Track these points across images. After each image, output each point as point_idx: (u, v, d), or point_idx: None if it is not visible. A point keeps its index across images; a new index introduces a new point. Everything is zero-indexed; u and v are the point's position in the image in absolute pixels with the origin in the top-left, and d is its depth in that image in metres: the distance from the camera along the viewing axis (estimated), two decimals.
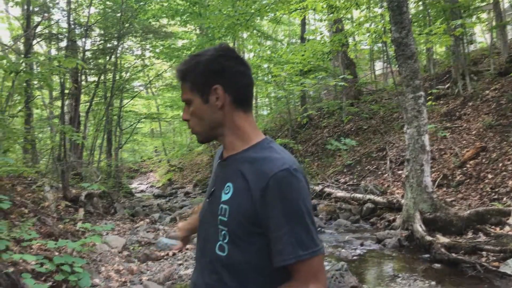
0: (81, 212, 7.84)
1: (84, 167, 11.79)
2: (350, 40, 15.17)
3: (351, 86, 14.47)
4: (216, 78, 1.20)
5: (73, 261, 4.29)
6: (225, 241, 1.16)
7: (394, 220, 7.04)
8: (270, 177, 1.09)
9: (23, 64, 6.83)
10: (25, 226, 4.85)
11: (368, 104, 14.47)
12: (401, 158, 9.57)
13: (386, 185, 9.35)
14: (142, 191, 18.32)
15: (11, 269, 3.57)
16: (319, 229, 7.35)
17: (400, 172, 9.36)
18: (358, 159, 11.39)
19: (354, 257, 5.57)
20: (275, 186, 1.09)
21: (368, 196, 8.58)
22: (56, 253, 4.64)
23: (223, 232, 1.17)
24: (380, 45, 15.63)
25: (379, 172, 10.17)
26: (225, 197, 1.18)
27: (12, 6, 14.91)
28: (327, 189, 10.18)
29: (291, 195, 1.09)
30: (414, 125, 6.39)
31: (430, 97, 10.73)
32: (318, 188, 10.47)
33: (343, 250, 5.83)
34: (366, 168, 10.72)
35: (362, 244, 6.17)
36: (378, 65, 19.74)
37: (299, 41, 17.58)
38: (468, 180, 7.74)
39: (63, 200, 7.83)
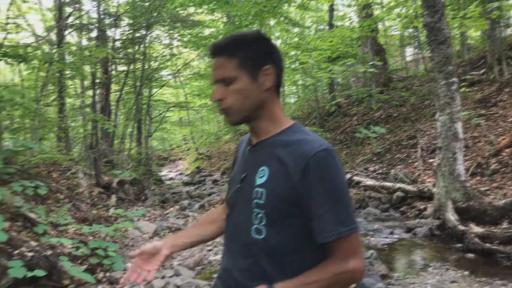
0: (113, 198, 8.06)
1: (116, 155, 12.08)
2: (380, 25, 14.83)
3: (381, 73, 14.18)
4: (267, 59, 1.22)
5: (107, 245, 4.44)
6: (262, 223, 1.18)
7: (425, 209, 6.91)
8: (310, 157, 1.12)
9: (56, 55, 7.01)
10: (61, 211, 5.03)
11: (399, 91, 14.15)
12: (433, 146, 9.34)
13: (416, 173, 9.16)
14: (171, 178, 18.61)
15: (49, 252, 3.71)
16: None
17: (431, 160, 9.15)
18: (388, 147, 11.19)
19: (384, 246, 5.51)
20: (315, 166, 1.11)
21: (398, 185, 8.44)
22: (91, 238, 4.80)
23: (259, 215, 1.18)
24: (411, 30, 15.21)
25: (410, 161, 9.97)
26: (259, 180, 1.19)
27: None
28: (356, 178, 10.06)
29: (331, 175, 1.12)
30: (447, 112, 6.21)
31: (463, 84, 10.37)
32: (346, 176, 10.35)
33: (372, 238, 5.78)
34: (396, 156, 10.53)
35: (391, 233, 6.10)
36: (409, 51, 19.24)
37: (327, 27, 17.30)
38: (503, 169, 7.49)
39: (96, 187, 8.06)
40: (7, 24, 5.88)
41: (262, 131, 1.26)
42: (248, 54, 1.20)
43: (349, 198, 1.16)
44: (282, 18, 15.62)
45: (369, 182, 9.42)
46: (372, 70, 11.27)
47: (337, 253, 1.14)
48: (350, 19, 14.24)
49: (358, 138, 12.41)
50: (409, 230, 6.13)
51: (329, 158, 1.13)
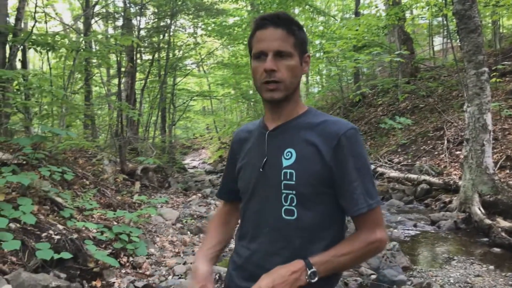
0: (137, 185, 8.19)
1: (140, 142, 12.25)
2: (408, 13, 14.47)
3: (408, 63, 13.85)
4: (306, 47, 1.28)
5: (130, 231, 4.52)
6: (293, 204, 1.20)
7: (450, 202, 6.78)
8: (341, 135, 1.18)
9: (83, 43, 7.12)
10: (87, 196, 5.15)
11: (426, 81, 13.82)
12: (460, 138, 9.12)
13: (442, 165, 8.97)
14: (194, 167, 18.81)
15: (75, 236, 3.81)
16: None
17: (458, 152, 8.93)
18: (413, 138, 10.98)
19: (406, 238, 5.43)
20: (347, 143, 1.17)
21: (423, 177, 8.30)
22: (115, 223, 4.89)
23: (290, 196, 1.20)
24: (439, 19, 14.79)
25: (436, 152, 9.76)
26: (287, 162, 1.21)
27: None
28: (379, 169, 9.95)
29: (360, 151, 1.19)
30: (476, 103, 6.03)
31: (494, 74, 10.03)
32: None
33: (395, 230, 5.70)
34: (422, 148, 10.32)
35: (415, 225, 6.01)
36: (437, 40, 18.72)
37: (353, 16, 16.99)
38: None
39: (120, 174, 8.20)
40: (35, 12, 6.00)
41: (283, 115, 1.27)
42: (301, 37, 1.23)
43: (372, 173, 1.24)
44: (307, 7, 15.42)
45: (393, 173, 9.29)
46: (398, 59, 11.01)
47: (365, 225, 1.20)
48: (376, 7, 13.96)
49: (383, 129, 12.22)
50: (433, 223, 6.04)
51: (357, 135, 1.20)
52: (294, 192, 1.19)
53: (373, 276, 3.92)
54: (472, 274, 4.02)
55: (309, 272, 1.11)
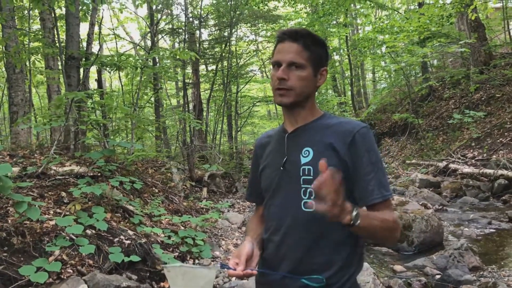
0: (205, 191, 8.51)
1: (208, 150, 12.70)
2: None
3: (480, 51, 12.98)
4: (325, 62, 1.41)
5: (195, 234, 4.75)
6: (312, 197, 1.30)
7: None
8: (355, 132, 1.31)
9: (148, 60, 7.58)
10: (155, 203, 5.48)
11: (501, 69, 12.86)
12: None
13: None
14: None
15: (143, 240, 4.09)
16: (440, 207, 6.94)
17: None
18: (488, 131, 10.28)
19: (479, 237, 5.13)
20: (361, 139, 1.30)
21: (500, 172, 7.77)
22: (182, 228, 5.16)
23: (308, 190, 1.32)
24: None
25: None
26: (305, 160, 1.34)
27: (137, 7, 16.64)
28: (452, 165, 9.46)
29: (373, 147, 1.32)
30: None
31: None
32: (442, 164, 9.78)
33: (466, 229, 5.41)
34: (498, 140, 9.64)
35: (489, 223, 5.65)
36: None
37: (417, 7, 16.27)
38: None
39: (189, 181, 8.58)
40: (102, 35, 6.49)
41: (300, 119, 1.41)
42: (317, 52, 1.36)
43: (385, 168, 1.31)
44: (368, 2, 15.03)
45: (467, 169, 8.79)
46: (463, 49, 10.37)
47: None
48: None
49: (455, 123, 11.58)
50: (511, 220, 5.64)
51: (370, 133, 1.33)
52: (312, 185, 1.26)
53: (438, 276, 3.78)
54: None
55: (354, 213, 1.13)
